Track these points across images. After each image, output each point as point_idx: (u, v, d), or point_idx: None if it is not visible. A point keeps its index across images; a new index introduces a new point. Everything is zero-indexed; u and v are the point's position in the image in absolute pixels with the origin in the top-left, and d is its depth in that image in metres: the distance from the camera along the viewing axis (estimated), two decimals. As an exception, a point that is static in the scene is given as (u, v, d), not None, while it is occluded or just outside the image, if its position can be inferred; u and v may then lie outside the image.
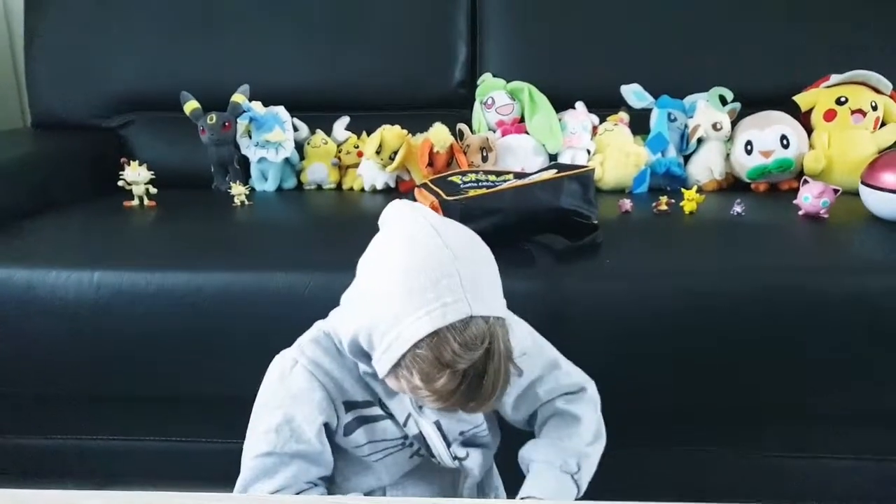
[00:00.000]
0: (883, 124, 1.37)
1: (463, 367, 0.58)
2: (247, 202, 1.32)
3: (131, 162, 1.34)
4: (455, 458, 0.74)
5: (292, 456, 0.68)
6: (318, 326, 0.74)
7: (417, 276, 0.59)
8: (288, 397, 0.69)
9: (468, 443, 0.77)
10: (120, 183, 1.34)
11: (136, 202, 1.33)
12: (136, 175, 1.33)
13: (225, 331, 1.01)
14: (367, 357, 0.65)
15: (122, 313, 1.01)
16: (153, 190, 1.34)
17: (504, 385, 0.62)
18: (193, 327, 1.01)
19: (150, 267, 1.02)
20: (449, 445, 0.74)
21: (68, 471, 1.11)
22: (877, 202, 1.10)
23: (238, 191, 1.32)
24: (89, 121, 1.61)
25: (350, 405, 0.71)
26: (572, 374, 0.80)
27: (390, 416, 0.72)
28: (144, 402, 1.09)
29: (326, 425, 0.70)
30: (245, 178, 1.45)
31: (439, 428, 0.73)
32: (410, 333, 0.59)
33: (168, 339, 1.01)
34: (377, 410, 0.71)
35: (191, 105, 1.44)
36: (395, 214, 0.68)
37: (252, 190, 1.41)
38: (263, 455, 0.68)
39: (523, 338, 0.75)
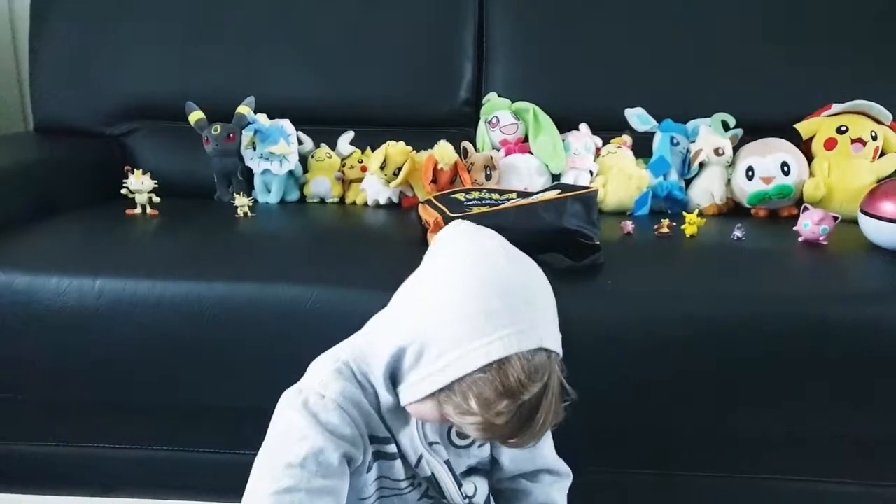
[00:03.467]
0: (882, 154, 1.38)
1: (525, 397, 0.56)
2: (250, 213, 1.32)
3: (135, 170, 1.35)
4: (465, 497, 0.72)
5: (318, 492, 0.62)
6: (334, 356, 0.69)
7: (495, 298, 0.57)
8: (314, 426, 0.63)
9: (472, 472, 0.75)
10: (123, 191, 1.34)
11: (138, 210, 1.33)
12: (139, 183, 1.33)
13: (227, 341, 1.00)
14: (394, 383, 0.62)
15: (124, 321, 1.00)
16: (156, 199, 1.34)
17: (551, 424, 0.60)
18: (195, 337, 1.00)
19: (153, 275, 1.02)
20: (460, 486, 0.71)
21: (68, 479, 1.10)
22: (876, 231, 1.11)
23: (241, 202, 1.32)
24: (93, 127, 1.61)
25: (373, 439, 0.67)
26: (552, 452, 0.79)
27: (401, 455, 0.69)
28: (145, 411, 1.08)
29: (352, 461, 0.65)
30: (248, 189, 1.45)
31: (450, 468, 0.70)
32: (479, 356, 0.56)
33: (169, 348, 1.01)
34: (393, 448, 0.68)
35: (196, 115, 1.44)
36: (461, 233, 0.65)
37: (255, 201, 1.41)
38: (284, 491, 0.61)
39: None
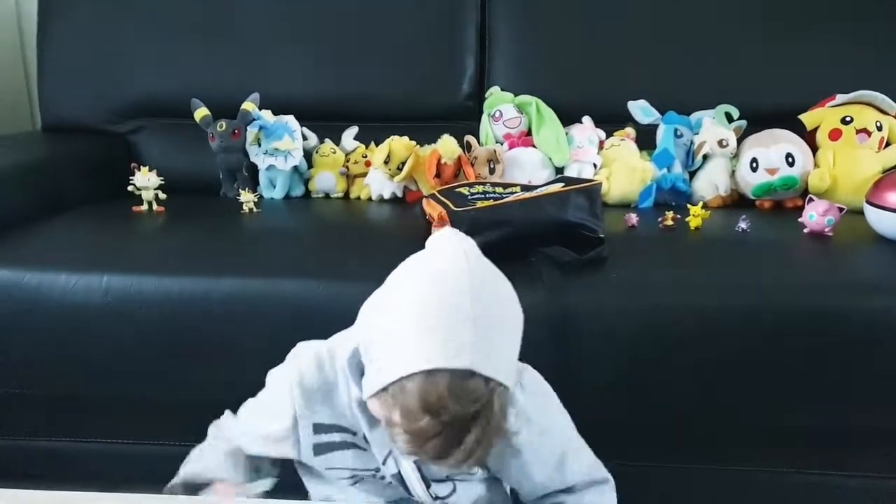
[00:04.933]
0: (888, 144, 1.38)
1: (444, 418, 0.54)
2: (255, 209, 1.33)
3: (141, 167, 1.36)
4: (436, 497, 0.71)
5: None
6: (318, 343, 0.74)
7: (434, 309, 0.56)
8: (266, 386, 0.75)
9: (454, 477, 0.73)
10: (130, 188, 1.35)
11: (144, 207, 1.34)
12: (145, 180, 1.34)
13: (233, 336, 1.01)
14: (360, 377, 0.62)
15: (131, 317, 1.01)
16: (162, 195, 1.35)
17: (481, 454, 0.57)
18: (202, 332, 1.01)
19: (159, 272, 1.03)
20: (429, 486, 0.71)
21: (74, 474, 1.11)
22: (881, 221, 1.10)
23: (247, 198, 1.33)
24: (99, 125, 1.62)
25: (319, 428, 0.70)
26: (590, 456, 0.74)
27: (368, 448, 0.70)
28: (152, 407, 1.09)
29: (280, 437, 0.72)
30: (253, 185, 1.46)
31: (419, 468, 0.70)
32: (405, 362, 0.55)
33: (176, 343, 1.02)
34: (355, 439, 0.70)
35: (201, 112, 1.45)
36: (441, 242, 0.64)
37: (260, 197, 1.42)
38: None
39: (547, 413, 0.71)
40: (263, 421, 0.74)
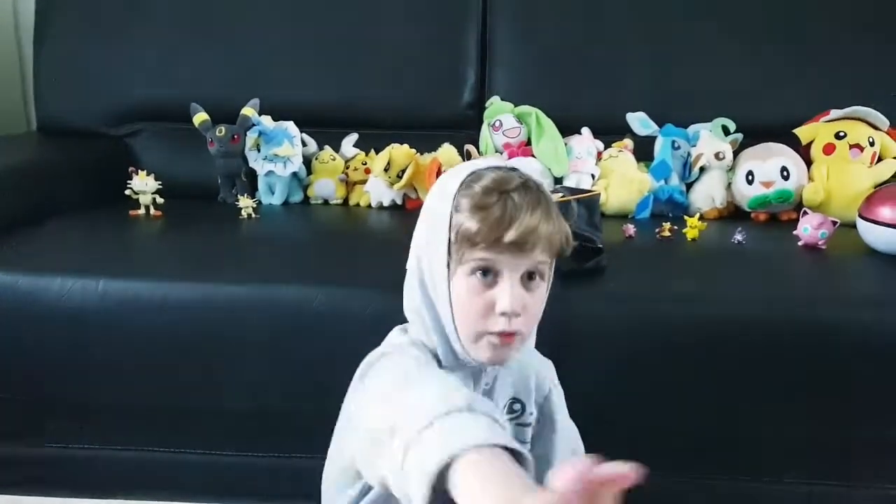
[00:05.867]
0: (879, 159, 1.40)
1: (502, 187, 0.64)
2: (254, 215, 1.33)
3: (139, 171, 1.35)
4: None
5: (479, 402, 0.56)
6: (399, 331, 0.74)
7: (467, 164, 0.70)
8: (426, 354, 0.69)
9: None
10: (127, 192, 1.34)
11: (142, 212, 1.33)
12: (143, 185, 1.33)
13: (230, 343, 1.01)
14: (440, 332, 0.68)
15: (127, 323, 1.00)
16: (160, 200, 1.35)
17: (551, 223, 0.66)
18: (199, 338, 1.01)
19: (157, 277, 1.02)
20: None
21: (68, 480, 1.10)
22: (874, 235, 1.12)
23: (246, 203, 1.33)
24: (95, 128, 1.61)
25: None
26: None
27: None
28: (148, 413, 1.08)
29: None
30: (252, 191, 1.46)
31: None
32: (453, 184, 0.66)
33: (173, 349, 1.01)
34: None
35: (200, 117, 1.45)
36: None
37: (259, 203, 1.41)
38: (461, 409, 0.51)
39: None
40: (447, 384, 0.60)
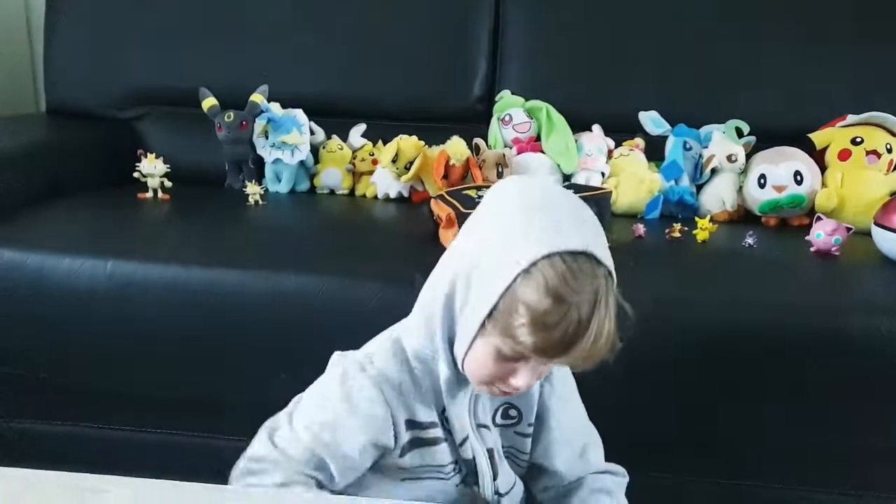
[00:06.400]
0: (896, 167, 1.38)
1: (571, 299, 0.55)
2: (260, 202, 1.32)
3: (148, 154, 1.35)
4: (496, 493, 0.72)
5: (317, 460, 0.65)
6: (390, 332, 0.70)
7: (537, 209, 0.59)
8: (343, 402, 0.65)
9: (512, 465, 0.75)
10: (136, 174, 1.34)
11: (150, 194, 1.33)
12: (152, 168, 1.33)
13: (236, 328, 1.01)
14: (450, 341, 0.63)
15: (134, 304, 1.00)
16: (168, 183, 1.34)
17: (607, 344, 0.58)
18: (203, 323, 1.01)
19: (164, 260, 1.02)
20: (495, 477, 0.72)
21: (71, 456, 1.10)
22: (890, 244, 1.10)
23: (253, 190, 1.32)
24: (104, 111, 1.61)
25: (411, 424, 0.67)
26: (602, 459, 0.78)
27: (447, 437, 0.69)
28: (152, 395, 1.08)
29: (380, 446, 0.66)
30: (259, 177, 1.45)
31: (490, 458, 0.71)
32: (524, 255, 0.56)
33: (177, 333, 1.01)
34: (437, 432, 0.68)
35: (209, 102, 1.44)
36: (509, 179, 0.67)
37: (265, 190, 1.41)
38: (304, 478, 0.64)
39: (566, 384, 0.75)
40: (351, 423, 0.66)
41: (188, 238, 1.13)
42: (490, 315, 0.59)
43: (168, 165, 1.34)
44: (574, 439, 0.75)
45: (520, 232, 0.58)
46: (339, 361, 0.69)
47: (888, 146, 1.36)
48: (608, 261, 0.60)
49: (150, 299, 1.00)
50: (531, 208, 0.60)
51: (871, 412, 0.98)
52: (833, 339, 0.95)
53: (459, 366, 0.65)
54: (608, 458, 0.79)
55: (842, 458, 1.03)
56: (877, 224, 1.11)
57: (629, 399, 0.97)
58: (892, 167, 1.37)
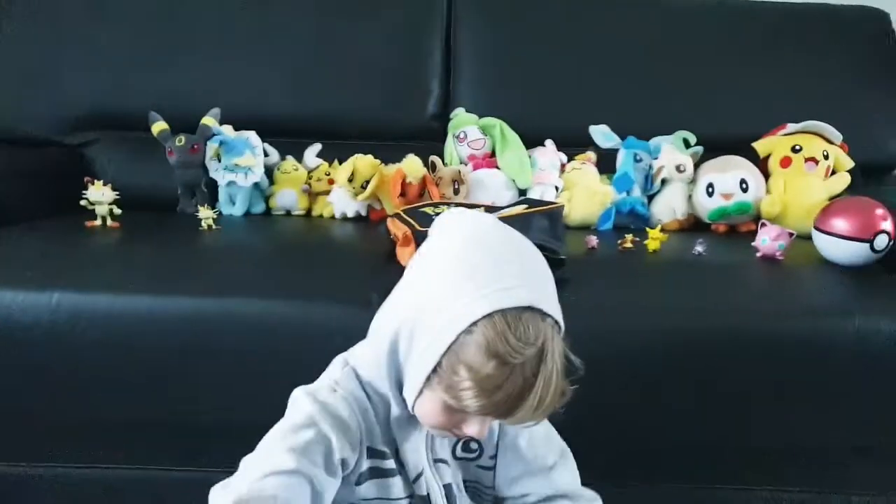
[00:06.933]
0: (833, 172, 1.44)
1: (514, 360, 0.54)
2: (214, 226, 1.30)
3: (95, 181, 1.31)
4: None
5: (310, 479, 0.60)
6: (342, 362, 0.68)
7: (480, 261, 0.56)
8: (327, 417, 0.62)
9: (475, 496, 0.73)
10: (83, 202, 1.30)
11: (98, 222, 1.30)
12: (99, 195, 1.30)
13: (189, 357, 0.98)
14: (398, 383, 0.61)
15: (82, 337, 0.96)
16: (117, 210, 1.31)
17: (553, 400, 0.57)
18: (156, 353, 0.98)
19: (113, 290, 0.99)
20: None
21: (23, 500, 1.06)
22: (828, 246, 1.15)
23: (206, 214, 1.30)
24: (50, 136, 1.56)
25: (371, 452, 0.66)
26: (574, 478, 0.75)
27: (401, 471, 0.67)
28: (104, 429, 1.04)
29: (345, 460, 0.64)
30: (212, 201, 1.43)
31: (448, 494, 0.69)
32: (464, 314, 0.54)
33: (130, 364, 0.98)
34: (391, 464, 0.67)
35: (158, 126, 1.42)
36: (454, 218, 0.64)
37: (219, 214, 1.39)
38: (288, 473, 0.59)
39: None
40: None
41: (138, 266, 1.09)
42: (435, 370, 0.57)
43: (118, 192, 1.31)
44: (538, 465, 0.73)
45: (462, 287, 0.56)
46: (303, 390, 0.66)
47: (825, 153, 1.43)
48: (555, 311, 0.58)
49: (98, 332, 0.97)
50: (475, 258, 0.58)
51: (815, 412, 1.01)
52: (779, 339, 0.98)
53: (410, 409, 0.63)
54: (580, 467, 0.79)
55: (785, 457, 1.05)
56: (816, 228, 1.16)
57: (585, 408, 0.97)
58: (829, 173, 1.44)
